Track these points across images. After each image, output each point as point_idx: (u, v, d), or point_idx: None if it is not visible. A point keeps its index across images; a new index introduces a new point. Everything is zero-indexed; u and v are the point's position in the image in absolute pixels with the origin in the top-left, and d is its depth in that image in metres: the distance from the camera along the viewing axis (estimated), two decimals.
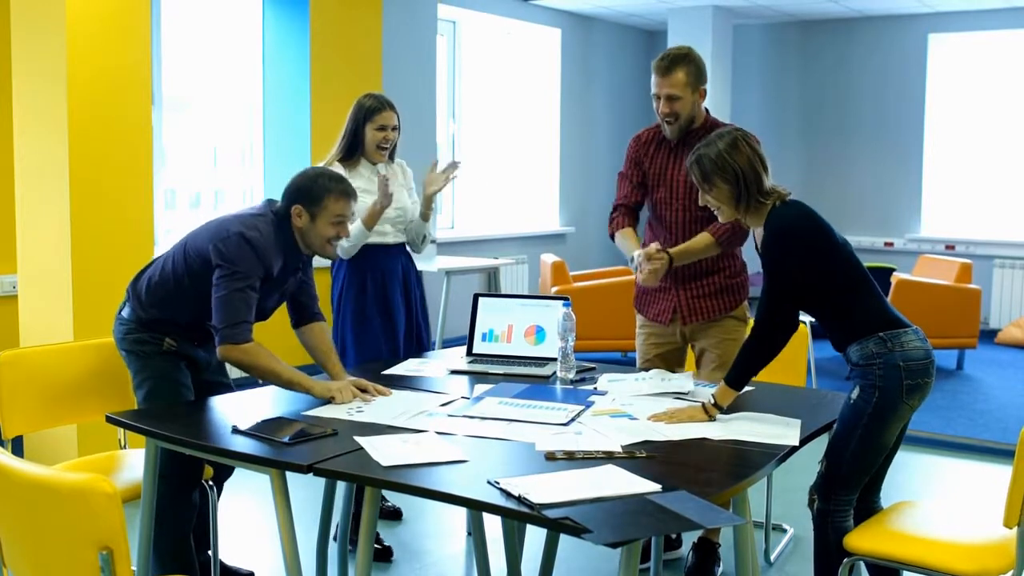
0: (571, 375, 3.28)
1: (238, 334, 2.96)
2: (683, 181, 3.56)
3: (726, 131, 2.86)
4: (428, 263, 4.18)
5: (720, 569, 3.64)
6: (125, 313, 3.17)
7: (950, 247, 9.21)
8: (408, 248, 4.03)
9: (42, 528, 2.05)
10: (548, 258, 7.44)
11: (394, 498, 4.24)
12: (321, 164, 3.94)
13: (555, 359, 3.34)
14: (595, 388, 3.16)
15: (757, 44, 10.09)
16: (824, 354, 6.43)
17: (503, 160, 9.31)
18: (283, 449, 2.51)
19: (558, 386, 3.21)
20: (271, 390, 3.24)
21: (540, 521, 2.09)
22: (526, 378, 3.29)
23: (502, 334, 3.58)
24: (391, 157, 4.00)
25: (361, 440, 2.55)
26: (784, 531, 4.08)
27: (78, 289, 4.52)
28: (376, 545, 3.91)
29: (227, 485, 3.46)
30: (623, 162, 3.74)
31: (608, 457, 2.43)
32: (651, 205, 3.68)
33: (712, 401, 2.81)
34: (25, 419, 3.25)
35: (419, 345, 3.98)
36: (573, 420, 2.77)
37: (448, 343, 6.01)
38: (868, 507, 2.90)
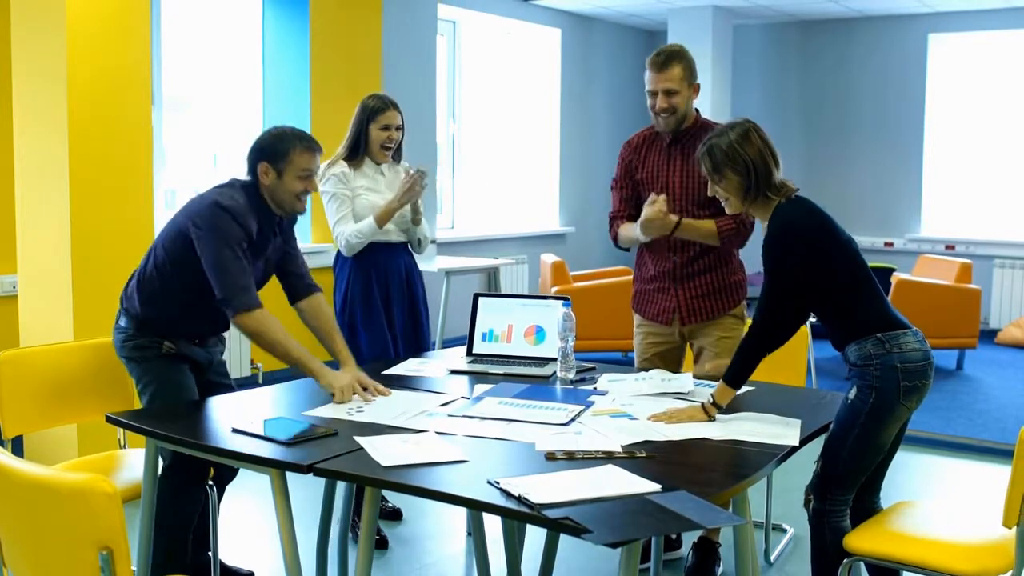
0: (571, 375, 3.28)
1: (246, 300, 2.98)
2: (678, 182, 3.57)
3: (737, 122, 2.85)
4: (428, 263, 4.19)
5: (720, 569, 3.64)
6: (122, 322, 3.17)
7: (950, 247, 9.21)
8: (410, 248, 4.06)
9: (42, 528, 2.05)
10: (548, 258, 7.44)
11: (394, 498, 4.25)
12: (325, 163, 3.95)
13: (555, 359, 3.34)
14: (595, 388, 3.16)
15: (757, 44, 10.09)
16: (824, 354, 6.43)
17: (503, 160, 9.31)
18: (283, 449, 2.51)
19: (558, 386, 3.21)
20: (271, 390, 3.24)
21: (540, 521, 2.09)
22: (526, 378, 3.29)
23: (502, 334, 3.58)
24: (396, 158, 4.01)
25: (361, 440, 2.55)
26: (784, 531, 4.08)
27: (78, 289, 4.52)
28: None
29: (227, 485, 3.45)
30: (615, 172, 3.75)
31: (608, 457, 2.43)
32: (643, 205, 3.69)
33: (711, 400, 2.81)
34: (25, 419, 3.25)
35: (419, 344, 3.98)
36: (573, 420, 2.77)
37: (448, 343, 6.01)
38: (867, 507, 2.90)
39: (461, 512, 4.06)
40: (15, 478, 2.05)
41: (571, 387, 3.19)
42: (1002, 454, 5.24)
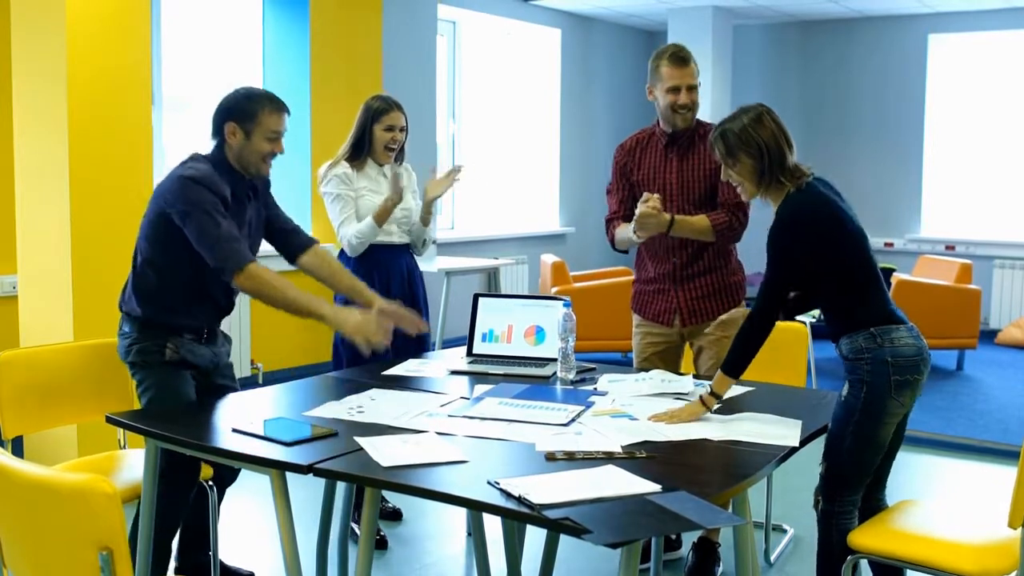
0: (571, 375, 3.28)
1: (237, 259, 2.95)
2: (675, 182, 3.57)
3: (750, 106, 2.84)
4: (428, 263, 4.19)
5: (720, 569, 3.64)
6: (125, 328, 3.14)
7: (950, 247, 9.21)
8: (411, 249, 4.06)
9: (42, 528, 2.05)
10: (548, 258, 7.44)
11: (394, 499, 4.24)
12: (327, 164, 3.96)
13: (555, 359, 3.34)
14: (595, 388, 3.16)
15: (757, 44, 10.09)
16: (824, 354, 6.43)
17: (503, 160, 9.30)
18: (283, 449, 2.51)
19: (558, 386, 3.21)
20: (271, 390, 3.24)
21: (540, 521, 2.09)
22: (526, 378, 3.29)
23: (502, 334, 3.58)
24: (399, 159, 4.01)
25: (361, 440, 2.55)
26: (784, 531, 4.08)
27: (78, 289, 4.52)
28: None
29: (228, 487, 3.45)
30: (611, 176, 3.75)
31: (608, 457, 2.43)
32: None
33: (709, 391, 2.80)
34: (25, 419, 3.25)
35: (420, 345, 3.97)
36: (573, 420, 2.76)
37: (448, 343, 6.01)
38: (873, 505, 2.90)
39: (461, 512, 4.06)
40: (15, 478, 2.05)
41: (571, 387, 3.19)
42: (1002, 454, 5.24)
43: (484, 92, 9.06)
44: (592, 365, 3.48)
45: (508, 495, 2.16)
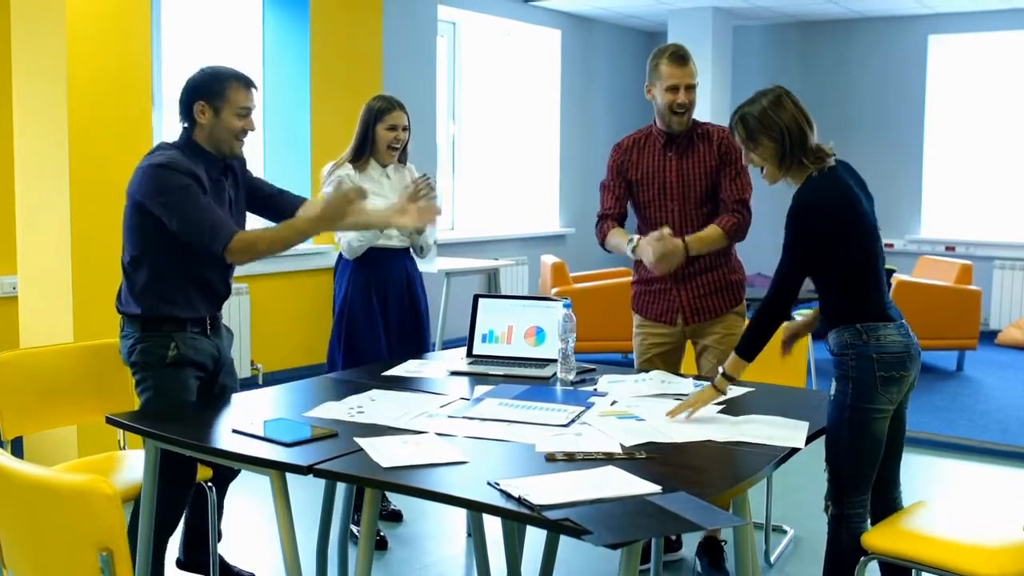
0: (571, 376, 3.27)
1: (222, 235, 2.93)
2: (676, 182, 3.57)
3: (769, 88, 2.83)
4: (429, 264, 4.17)
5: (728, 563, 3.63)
6: (126, 329, 3.10)
7: (950, 248, 9.21)
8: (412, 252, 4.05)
9: (42, 529, 2.05)
10: (548, 259, 7.44)
11: (395, 500, 4.24)
12: (331, 164, 3.95)
13: (555, 360, 3.34)
14: (595, 389, 3.16)
15: (757, 45, 10.10)
16: (824, 355, 6.42)
17: (503, 161, 9.31)
18: (283, 450, 2.51)
19: (558, 387, 3.21)
20: (271, 391, 3.23)
21: (540, 522, 2.09)
22: (526, 379, 3.29)
23: (502, 335, 3.58)
24: (403, 159, 4.00)
25: (361, 441, 2.55)
26: (784, 532, 4.08)
27: (78, 290, 4.52)
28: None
29: (227, 490, 3.45)
30: (605, 173, 3.73)
31: (608, 458, 2.43)
32: (639, 208, 3.69)
33: (722, 372, 2.80)
34: (25, 420, 3.25)
35: (420, 348, 3.97)
36: (573, 421, 2.76)
37: (448, 344, 6.02)
38: (889, 507, 2.89)
39: (461, 513, 4.06)
40: (15, 479, 2.05)
41: (571, 388, 3.19)
42: (1003, 455, 5.24)
43: (484, 93, 9.06)
44: (592, 366, 3.48)
45: (508, 496, 2.16)
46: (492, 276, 7.10)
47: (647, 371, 3.44)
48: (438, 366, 3.49)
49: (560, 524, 2.03)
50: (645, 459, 2.43)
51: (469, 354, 3.58)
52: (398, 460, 2.40)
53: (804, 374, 3.86)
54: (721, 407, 2.94)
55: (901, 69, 9.45)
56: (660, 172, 3.60)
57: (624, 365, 5.75)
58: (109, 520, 1.91)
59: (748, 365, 2.82)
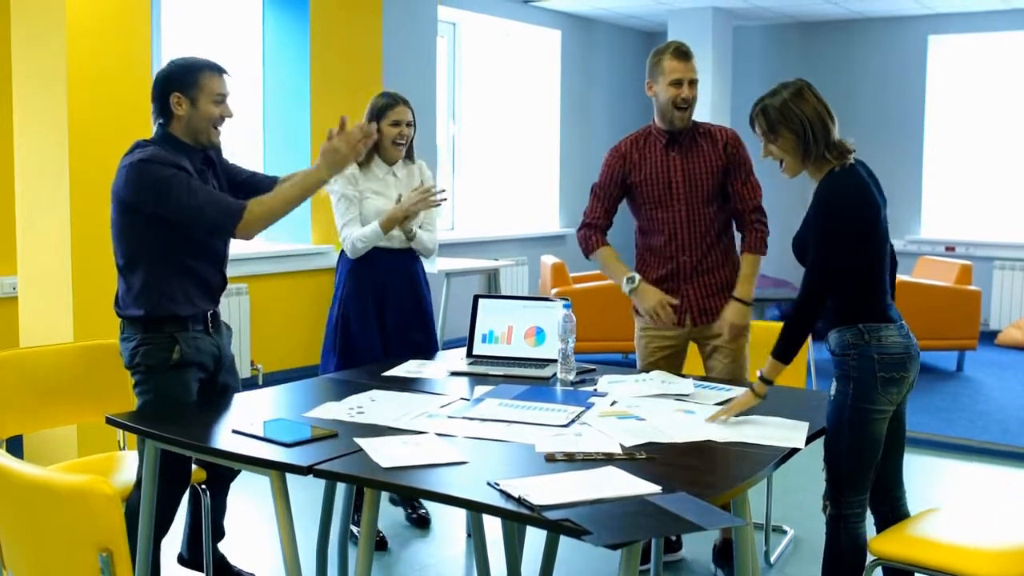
0: (571, 376, 3.27)
1: (232, 213, 2.93)
2: (681, 181, 3.55)
3: (790, 81, 2.83)
4: (429, 265, 4.16)
5: None
6: (127, 332, 3.06)
7: (950, 248, 9.21)
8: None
9: (42, 529, 2.05)
10: (548, 259, 7.44)
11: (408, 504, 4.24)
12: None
13: (555, 360, 3.34)
14: (595, 390, 3.16)
15: (757, 46, 10.10)
16: (824, 355, 6.42)
17: (503, 162, 9.31)
18: (283, 450, 2.51)
19: (558, 387, 3.21)
20: (271, 391, 3.23)
21: (540, 523, 2.09)
22: (526, 379, 3.29)
23: (502, 335, 3.58)
24: (410, 156, 3.99)
25: (361, 441, 2.55)
26: (784, 532, 4.08)
27: (78, 291, 4.52)
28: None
29: (229, 488, 3.46)
30: (599, 176, 3.71)
31: (608, 458, 2.43)
32: (640, 210, 3.65)
33: (760, 377, 2.78)
34: (24, 419, 3.25)
35: (424, 349, 3.92)
36: (573, 422, 2.76)
37: (448, 344, 6.01)
38: (893, 507, 2.90)
39: (461, 513, 4.06)
40: (15, 479, 2.05)
41: (571, 388, 3.19)
42: (1003, 456, 5.24)
43: (484, 93, 9.06)
44: (592, 366, 3.48)
45: (508, 496, 2.16)
46: (492, 276, 7.10)
47: (648, 372, 3.44)
48: (438, 366, 3.49)
49: (560, 524, 2.03)
50: (645, 459, 2.43)
51: (469, 354, 3.58)
52: (398, 460, 2.40)
53: (804, 374, 3.86)
54: (721, 408, 2.94)
55: (901, 69, 9.45)
56: (664, 172, 3.58)
57: (624, 365, 5.75)
58: (109, 520, 1.91)
59: (785, 368, 2.79)
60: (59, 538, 2.02)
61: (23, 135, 4.62)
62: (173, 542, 3.40)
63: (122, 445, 3.50)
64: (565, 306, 3.34)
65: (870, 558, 2.69)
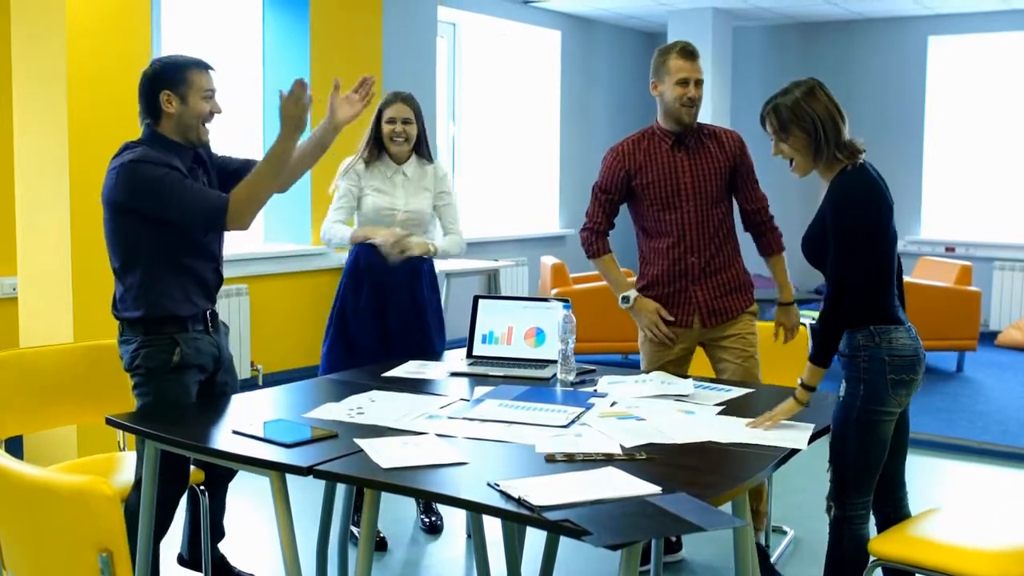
0: (571, 377, 3.27)
1: (218, 204, 2.92)
2: (690, 183, 3.53)
3: (803, 80, 2.83)
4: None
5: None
6: (126, 335, 3.04)
7: (950, 249, 9.21)
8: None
9: (42, 530, 2.05)
10: (548, 260, 7.44)
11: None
12: (348, 160, 3.99)
13: (555, 361, 3.34)
14: (595, 390, 3.16)
15: (757, 46, 10.10)
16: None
17: (503, 162, 9.31)
18: (283, 451, 2.50)
19: (558, 388, 3.21)
20: (271, 392, 3.23)
21: (540, 523, 2.09)
22: (526, 380, 3.29)
23: (502, 336, 3.58)
24: (424, 156, 3.97)
25: (361, 442, 2.55)
26: (784, 533, 4.08)
27: (78, 291, 4.52)
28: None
29: (228, 488, 3.45)
30: (598, 177, 3.69)
31: (608, 459, 2.43)
32: (644, 211, 3.62)
33: (801, 384, 2.77)
34: (24, 419, 3.25)
35: (421, 349, 3.92)
36: (573, 422, 2.76)
37: (448, 345, 6.01)
38: (895, 508, 2.89)
39: (461, 514, 4.06)
40: (15, 480, 2.05)
41: (571, 389, 3.19)
42: (1002, 456, 5.24)
43: (484, 94, 9.06)
44: (592, 367, 3.48)
45: (508, 497, 2.16)
46: (492, 277, 7.11)
47: (648, 373, 3.44)
48: (438, 367, 3.49)
49: (560, 525, 2.03)
50: (645, 460, 2.43)
51: (469, 355, 3.58)
52: (398, 461, 2.40)
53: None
54: (722, 408, 2.94)
55: (901, 70, 9.45)
56: (672, 173, 3.55)
57: (624, 366, 5.75)
58: (109, 521, 1.91)
59: (824, 372, 2.77)
60: (59, 538, 2.02)
61: (23, 135, 4.62)
62: (173, 542, 3.40)
63: (122, 446, 3.50)
64: (565, 307, 3.34)
65: (871, 559, 2.69)
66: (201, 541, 3.33)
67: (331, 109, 3.13)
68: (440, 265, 6.26)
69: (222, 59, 6.60)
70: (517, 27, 9.04)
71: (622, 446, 2.53)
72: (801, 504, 4.26)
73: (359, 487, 3.29)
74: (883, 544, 2.66)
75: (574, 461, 2.42)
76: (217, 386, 3.21)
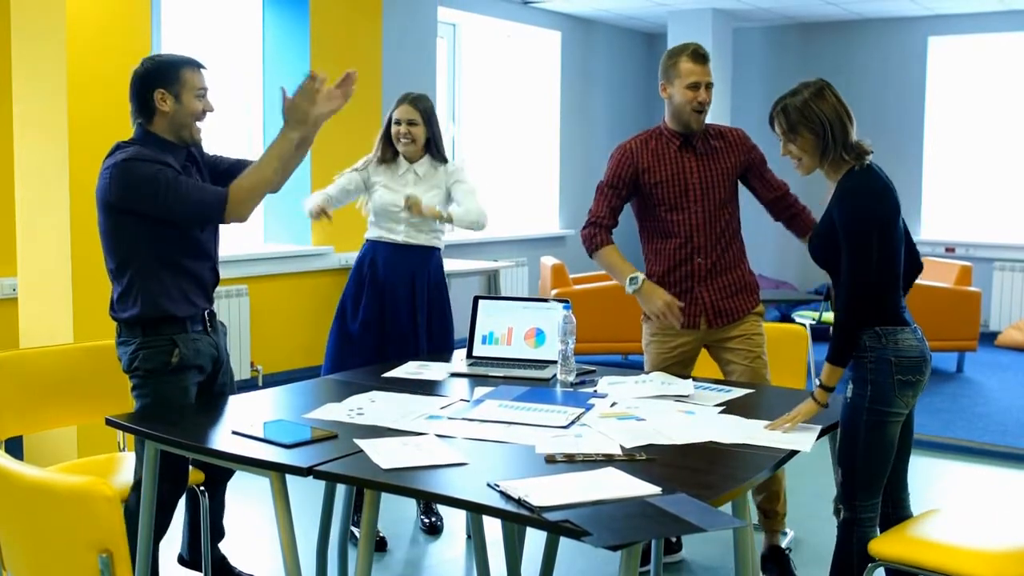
0: (571, 378, 3.27)
1: (218, 202, 2.92)
2: (698, 185, 3.51)
3: (811, 81, 2.83)
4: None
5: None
6: (125, 336, 3.02)
7: (950, 249, 9.21)
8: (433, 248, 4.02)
9: (42, 531, 2.05)
10: (548, 260, 7.44)
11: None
12: (362, 161, 4.03)
13: (555, 362, 3.34)
14: (595, 391, 3.16)
15: (757, 47, 10.10)
16: (824, 356, 6.42)
17: (503, 163, 9.30)
18: (283, 452, 2.50)
19: (558, 389, 3.21)
20: (271, 393, 3.23)
21: (540, 524, 2.09)
22: (526, 381, 3.29)
23: (502, 337, 3.58)
24: (436, 157, 3.98)
25: (361, 443, 2.55)
26: (785, 534, 4.07)
27: (78, 292, 4.51)
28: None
29: (227, 487, 3.45)
30: (604, 175, 3.62)
31: (608, 460, 2.43)
32: (650, 211, 3.60)
33: (819, 384, 2.76)
34: (24, 420, 3.25)
35: (418, 349, 3.93)
36: (573, 423, 2.76)
37: None
38: (897, 509, 2.89)
39: (461, 515, 4.06)
40: (15, 481, 2.05)
41: (571, 390, 3.19)
42: (1002, 457, 5.24)
43: (484, 95, 9.06)
44: (592, 367, 3.48)
45: (508, 497, 2.16)
46: (492, 278, 7.10)
47: (647, 373, 3.44)
48: (438, 367, 3.49)
49: (560, 526, 2.03)
50: (645, 460, 2.43)
51: (469, 355, 3.58)
52: (398, 462, 2.40)
53: (804, 376, 3.86)
54: (722, 408, 2.94)
55: (901, 71, 9.45)
56: (680, 175, 3.52)
57: (624, 367, 5.75)
58: (109, 521, 1.90)
59: (842, 371, 2.76)
60: (59, 539, 2.02)
61: (23, 135, 4.61)
62: (172, 543, 3.40)
63: (122, 446, 3.50)
64: (565, 307, 3.34)
65: (872, 560, 2.69)
66: (201, 541, 3.33)
67: (289, 107, 3.10)
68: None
69: (222, 59, 6.61)
70: (517, 28, 9.04)
71: (622, 447, 2.53)
72: (801, 505, 4.26)
73: (359, 488, 3.29)
74: (883, 545, 2.66)
75: (574, 462, 2.42)
76: (216, 387, 3.20)
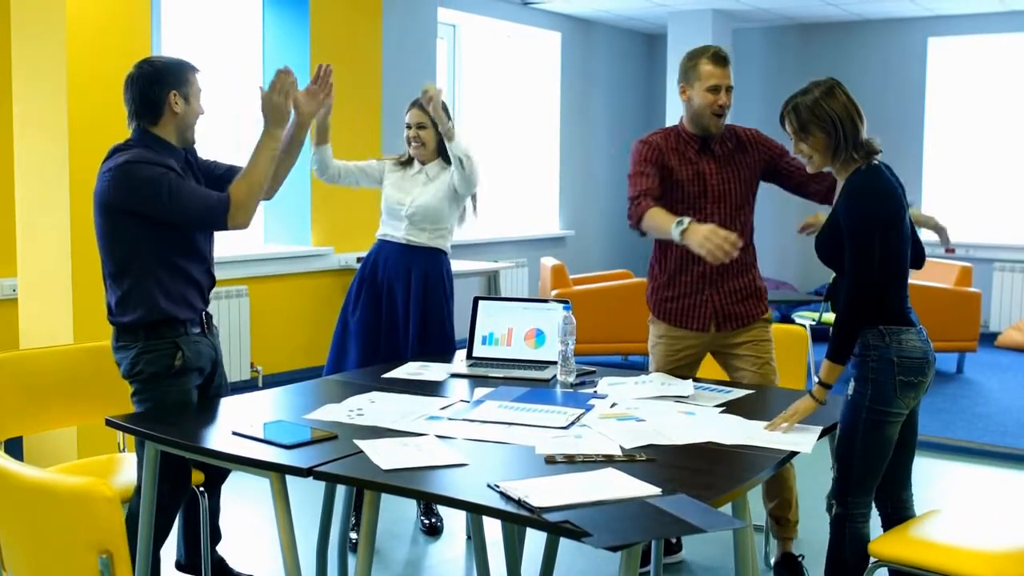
0: (571, 378, 3.27)
1: (220, 206, 2.93)
2: (715, 186, 3.47)
3: (822, 79, 2.83)
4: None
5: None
6: (125, 339, 2.99)
7: (950, 250, 9.19)
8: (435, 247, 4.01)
9: (42, 531, 2.05)
10: (548, 261, 7.44)
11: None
12: (389, 157, 4.10)
13: (555, 362, 3.34)
14: (595, 392, 3.16)
15: (757, 48, 10.10)
16: (823, 357, 6.42)
17: (503, 163, 9.30)
18: (283, 452, 2.50)
19: (558, 389, 3.21)
20: (271, 393, 3.23)
21: (540, 524, 2.09)
22: (526, 381, 3.29)
23: (502, 337, 3.58)
24: (446, 160, 3.96)
25: (361, 443, 2.55)
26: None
27: (78, 292, 4.51)
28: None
29: (226, 488, 3.45)
30: (631, 166, 3.51)
31: (608, 460, 2.43)
32: (668, 209, 3.48)
33: (818, 381, 2.76)
34: (24, 420, 3.25)
35: (402, 351, 3.90)
36: (573, 423, 2.76)
37: None
38: (899, 508, 2.89)
39: (461, 515, 4.06)
40: (15, 481, 2.05)
41: (571, 390, 3.19)
42: (1002, 457, 5.24)
43: (484, 95, 9.06)
44: (592, 368, 3.48)
45: (508, 498, 2.16)
46: (492, 278, 7.10)
47: (647, 374, 3.44)
48: (438, 368, 3.49)
49: (560, 526, 2.03)
50: (645, 461, 2.43)
51: (469, 356, 3.58)
52: (398, 462, 2.40)
53: (804, 376, 3.85)
54: (722, 409, 2.94)
55: (901, 72, 9.45)
56: (698, 176, 3.48)
57: (624, 367, 5.75)
58: (109, 522, 1.90)
59: (842, 369, 2.76)
60: (59, 540, 2.02)
61: (23, 135, 4.61)
62: (168, 549, 3.39)
63: (122, 447, 3.50)
64: (565, 308, 3.34)
65: (872, 560, 2.69)
66: (199, 544, 3.32)
67: (295, 105, 3.15)
68: None
69: (222, 59, 6.61)
70: (517, 28, 9.04)
71: (622, 447, 2.53)
72: (801, 505, 4.25)
73: (359, 488, 3.29)
74: (884, 545, 2.67)
75: (574, 462, 2.42)
76: (212, 389, 3.20)
